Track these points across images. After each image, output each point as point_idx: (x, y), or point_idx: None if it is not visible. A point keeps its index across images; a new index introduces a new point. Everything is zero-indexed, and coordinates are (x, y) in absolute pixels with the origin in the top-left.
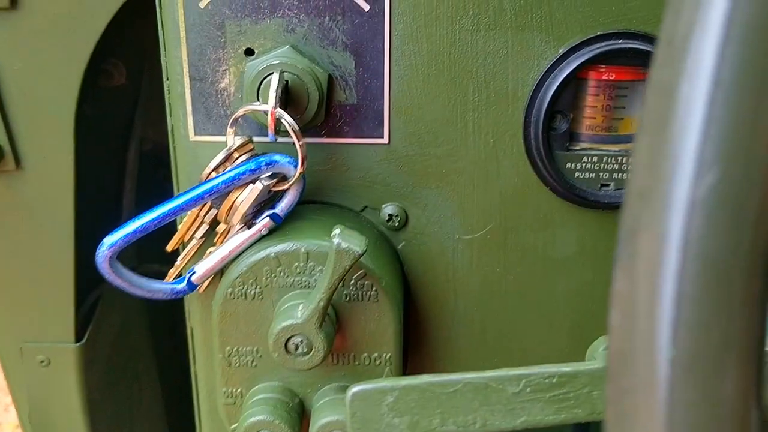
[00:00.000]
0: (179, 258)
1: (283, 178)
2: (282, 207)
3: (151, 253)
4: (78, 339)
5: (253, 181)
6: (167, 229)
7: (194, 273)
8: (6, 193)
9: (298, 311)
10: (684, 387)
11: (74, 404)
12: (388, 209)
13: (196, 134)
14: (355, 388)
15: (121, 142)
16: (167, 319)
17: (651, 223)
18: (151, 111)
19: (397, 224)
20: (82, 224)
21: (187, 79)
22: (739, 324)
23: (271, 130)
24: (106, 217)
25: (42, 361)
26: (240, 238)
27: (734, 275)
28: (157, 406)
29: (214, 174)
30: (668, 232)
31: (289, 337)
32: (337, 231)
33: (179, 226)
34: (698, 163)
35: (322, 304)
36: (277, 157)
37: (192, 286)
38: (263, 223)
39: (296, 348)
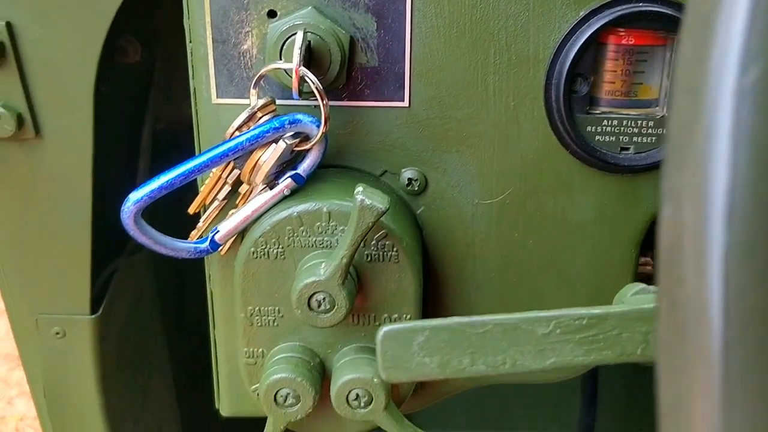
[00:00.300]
0: (201, 220)
1: (306, 138)
2: (304, 167)
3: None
4: (93, 311)
5: (276, 141)
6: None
7: (218, 232)
8: (25, 161)
9: (321, 269)
10: (737, 273)
11: (88, 377)
12: (407, 174)
13: (218, 97)
14: (386, 328)
15: (135, 121)
16: (176, 302)
17: (699, 116)
18: (164, 90)
19: (416, 189)
20: (98, 200)
21: (210, 42)
22: None
23: (295, 89)
24: (121, 195)
25: (57, 333)
26: (262, 198)
27: None
28: (166, 385)
29: (237, 133)
30: (717, 123)
31: (312, 294)
32: (360, 188)
33: (201, 189)
34: (744, 54)
35: (344, 261)
36: (300, 116)
37: (215, 246)
38: (285, 183)
39: (319, 305)
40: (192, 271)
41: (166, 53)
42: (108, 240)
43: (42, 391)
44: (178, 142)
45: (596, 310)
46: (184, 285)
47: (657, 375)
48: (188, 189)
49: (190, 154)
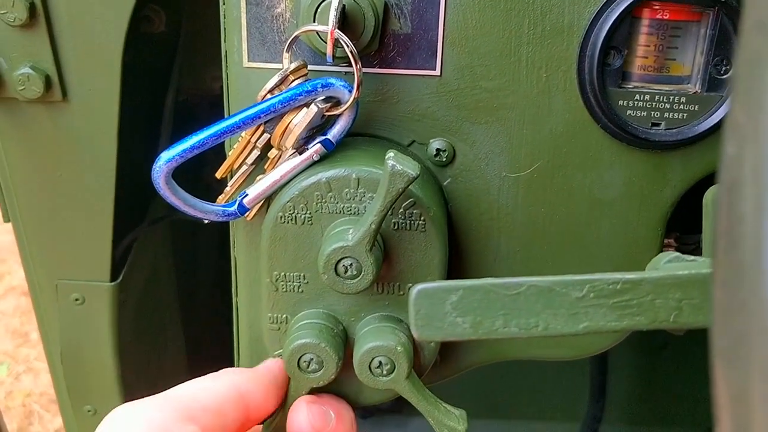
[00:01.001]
0: (228, 184)
1: (337, 104)
2: (334, 133)
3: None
4: (113, 279)
5: (308, 105)
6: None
7: (246, 195)
8: (50, 124)
9: (349, 234)
10: None
11: (106, 344)
12: (435, 144)
13: (249, 60)
14: (419, 286)
15: (158, 91)
16: (191, 275)
17: None
18: (187, 61)
19: (444, 160)
20: (121, 167)
21: (243, 4)
22: None
23: (329, 53)
24: (144, 164)
25: (77, 299)
26: (291, 163)
27: None
28: (180, 356)
29: (268, 96)
30: None
31: (340, 259)
32: (390, 154)
33: (229, 154)
34: None
35: (373, 227)
36: (332, 80)
37: (243, 209)
38: (315, 148)
39: (346, 270)
40: (207, 244)
41: (191, 24)
42: (130, 208)
43: (59, 357)
44: (197, 114)
45: (631, 275)
46: (199, 257)
47: (712, 315)
48: (205, 163)
49: (210, 124)
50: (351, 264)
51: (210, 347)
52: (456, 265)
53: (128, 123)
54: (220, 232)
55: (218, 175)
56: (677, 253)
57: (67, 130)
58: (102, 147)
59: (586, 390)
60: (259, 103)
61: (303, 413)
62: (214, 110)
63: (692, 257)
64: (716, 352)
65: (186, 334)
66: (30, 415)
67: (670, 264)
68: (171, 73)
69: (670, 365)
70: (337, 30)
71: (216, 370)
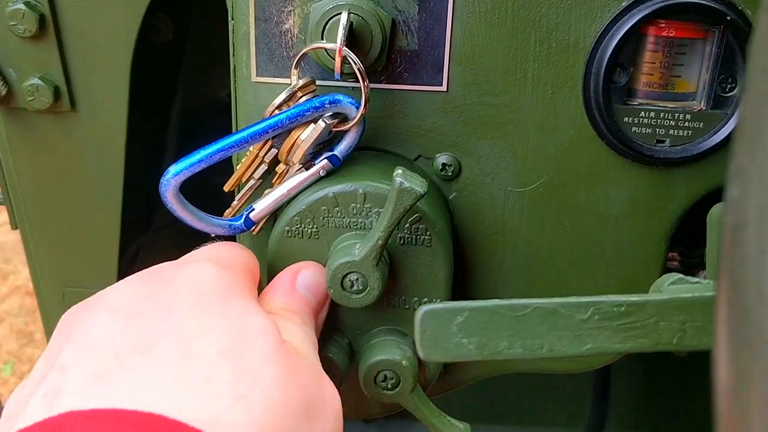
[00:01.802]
0: (236, 198)
1: (344, 120)
2: (341, 149)
3: None
4: None
5: (315, 121)
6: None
7: (253, 210)
8: (59, 134)
9: (355, 249)
10: None
11: None
12: (441, 159)
13: (258, 75)
14: (426, 307)
15: (165, 100)
16: None
17: None
18: (194, 70)
19: (450, 174)
20: (128, 176)
21: (252, 19)
22: None
23: (337, 70)
24: (150, 173)
25: None
26: (298, 178)
27: None
28: None
29: (277, 112)
30: None
31: (346, 274)
32: (399, 171)
33: (236, 168)
34: None
35: (380, 242)
36: (340, 97)
37: (249, 223)
38: (322, 164)
39: (352, 285)
40: None
41: (198, 34)
42: (136, 215)
43: None
44: (204, 123)
45: (635, 298)
46: None
47: (714, 354)
48: (214, 174)
49: (217, 134)
50: (357, 279)
51: None
52: (461, 279)
53: (136, 131)
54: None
55: (226, 188)
56: (680, 275)
57: (75, 140)
58: (109, 156)
59: (588, 396)
60: (267, 119)
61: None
62: (221, 118)
63: (696, 279)
64: (719, 390)
65: None
66: None
67: (673, 286)
68: (178, 81)
69: (672, 372)
70: (344, 47)
71: None
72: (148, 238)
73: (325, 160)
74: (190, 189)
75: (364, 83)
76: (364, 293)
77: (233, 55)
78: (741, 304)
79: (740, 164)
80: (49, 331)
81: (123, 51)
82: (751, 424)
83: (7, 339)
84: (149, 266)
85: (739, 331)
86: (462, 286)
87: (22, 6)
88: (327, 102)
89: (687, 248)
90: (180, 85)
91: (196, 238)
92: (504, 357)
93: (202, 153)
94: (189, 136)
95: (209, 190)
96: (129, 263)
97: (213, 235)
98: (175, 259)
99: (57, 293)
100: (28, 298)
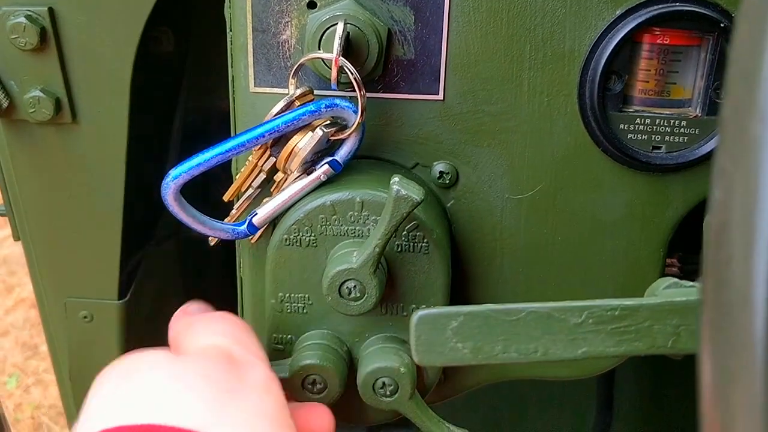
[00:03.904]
0: (234, 207)
1: (342, 128)
2: (341, 154)
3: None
4: (121, 297)
5: (312, 128)
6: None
7: (256, 215)
8: (60, 146)
9: (353, 257)
10: None
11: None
12: (439, 167)
13: (256, 85)
14: (420, 312)
15: (166, 111)
16: (198, 291)
17: (754, 100)
18: (195, 81)
19: (447, 182)
20: (129, 187)
21: (249, 30)
22: None
23: (333, 79)
24: (151, 183)
25: (85, 317)
26: (300, 183)
27: None
28: None
29: None
30: None
31: (344, 282)
32: (396, 179)
33: (236, 177)
34: None
35: (377, 250)
36: (338, 101)
37: (252, 229)
38: (323, 169)
39: (349, 292)
40: (213, 262)
41: (199, 44)
42: (138, 227)
43: (68, 374)
44: (206, 133)
45: (629, 302)
46: (206, 275)
47: (700, 352)
48: (213, 181)
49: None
50: (355, 286)
51: None
52: (459, 286)
53: (137, 143)
54: (227, 248)
55: (226, 198)
56: (675, 279)
57: (77, 152)
58: (111, 167)
59: (593, 403)
60: (264, 123)
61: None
62: (223, 128)
63: (690, 283)
64: (703, 389)
65: None
66: (39, 427)
67: (668, 290)
68: (179, 91)
69: (677, 378)
70: (341, 57)
71: None
72: (150, 249)
73: (327, 165)
74: (189, 199)
75: (360, 92)
76: (362, 300)
77: (231, 66)
78: (725, 305)
79: (723, 166)
80: (51, 341)
81: (124, 63)
82: (734, 424)
83: (12, 351)
84: (151, 278)
85: (723, 331)
86: (461, 293)
87: (23, 19)
88: (323, 106)
89: (686, 254)
90: (181, 95)
91: (197, 250)
92: (499, 361)
93: (201, 157)
94: (191, 146)
95: (211, 201)
96: (131, 274)
97: (212, 243)
98: (178, 270)
99: (59, 303)
100: (33, 310)
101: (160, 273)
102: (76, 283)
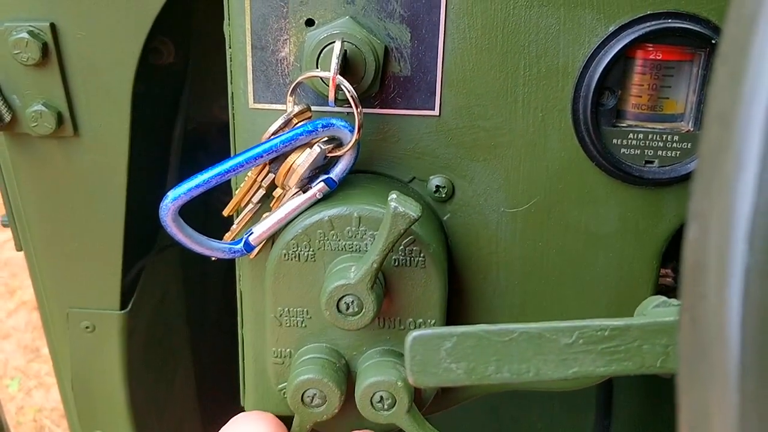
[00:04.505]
0: (235, 222)
1: (339, 145)
2: (336, 172)
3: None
4: (123, 307)
5: (310, 145)
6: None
7: (252, 234)
8: (62, 158)
9: (351, 272)
10: (757, 292)
11: (115, 371)
12: (435, 180)
13: (255, 102)
14: (415, 333)
15: (167, 122)
16: (200, 300)
17: (730, 142)
18: (196, 91)
19: (443, 196)
20: (131, 198)
21: (249, 48)
22: None
23: (331, 97)
24: (153, 193)
25: (87, 327)
26: (296, 201)
27: None
28: (189, 381)
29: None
30: (746, 150)
31: (342, 297)
32: (393, 196)
33: (236, 192)
34: None
35: (375, 266)
36: (334, 121)
37: (249, 247)
38: (318, 187)
39: (347, 308)
40: (215, 271)
41: (199, 55)
42: (139, 237)
43: (69, 383)
44: (206, 143)
45: (618, 322)
46: (208, 284)
47: (678, 388)
48: (214, 190)
49: (219, 153)
50: (353, 301)
51: (219, 372)
52: (456, 299)
53: (138, 154)
54: (228, 259)
55: (226, 213)
56: (664, 298)
57: (79, 164)
58: (112, 179)
59: (593, 403)
60: (262, 143)
61: None
62: (224, 139)
63: (678, 302)
64: (681, 425)
65: (195, 359)
66: (41, 430)
67: (657, 309)
68: (180, 102)
69: (677, 384)
70: (338, 75)
71: (224, 395)
72: (152, 258)
73: (322, 183)
74: (195, 209)
75: (357, 110)
76: (360, 315)
77: (231, 83)
78: (699, 342)
79: (699, 207)
80: (53, 350)
81: (124, 76)
82: None
83: (15, 354)
84: (152, 288)
85: (698, 368)
86: (458, 306)
87: (25, 35)
88: (320, 126)
89: (680, 264)
90: (182, 106)
91: (199, 259)
92: (492, 381)
93: (200, 178)
94: (192, 156)
95: (215, 211)
96: (132, 283)
97: (213, 259)
98: (180, 280)
99: (61, 313)
100: (35, 313)
101: (162, 282)
102: (78, 294)
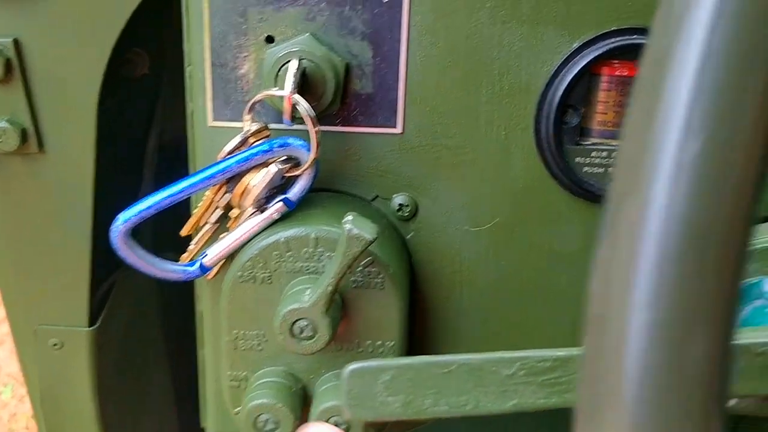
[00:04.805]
0: (192, 242)
1: (297, 164)
2: (294, 192)
3: (167, 241)
4: (91, 324)
5: (266, 164)
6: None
7: (206, 256)
8: (27, 175)
9: (305, 295)
10: (656, 349)
11: (85, 388)
12: (398, 199)
13: (214, 120)
14: (352, 366)
15: (141, 134)
16: (180, 312)
17: (636, 187)
18: (172, 103)
19: (406, 214)
20: (100, 212)
21: (208, 65)
22: (713, 289)
23: (287, 116)
24: (124, 206)
25: (55, 344)
26: (252, 222)
27: (712, 240)
28: (165, 397)
29: (228, 157)
30: (651, 196)
31: (295, 321)
32: (349, 218)
33: (193, 212)
34: (685, 130)
35: (330, 289)
36: (290, 140)
37: (204, 269)
38: (276, 207)
39: (301, 331)
40: (190, 283)
41: (175, 66)
42: (109, 252)
43: (40, 400)
44: (183, 155)
45: (561, 352)
46: (186, 297)
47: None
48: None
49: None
50: (307, 325)
51: (197, 380)
52: (419, 318)
53: (107, 168)
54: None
55: (183, 233)
56: None
57: (44, 181)
58: (78, 195)
59: None
60: (216, 164)
61: None
62: None
63: None
64: None
65: (173, 373)
66: None
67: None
68: (154, 114)
69: None
70: (295, 95)
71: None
72: (122, 273)
73: (280, 203)
74: (169, 219)
75: (314, 129)
76: (314, 340)
77: (190, 100)
78: (597, 395)
79: (602, 256)
80: (24, 367)
81: (90, 90)
82: None
83: (8, 361)
84: (123, 304)
85: (595, 425)
86: (420, 326)
87: None
88: (276, 145)
89: None
90: (156, 117)
91: None
92: (429, 415)
93: (152, 200)
94: (166, 168)
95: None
96: (101, 300)
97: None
98: (156, 293)
99: (29, 330)
100: None
101: (135, 297)
102: (45, 311)
